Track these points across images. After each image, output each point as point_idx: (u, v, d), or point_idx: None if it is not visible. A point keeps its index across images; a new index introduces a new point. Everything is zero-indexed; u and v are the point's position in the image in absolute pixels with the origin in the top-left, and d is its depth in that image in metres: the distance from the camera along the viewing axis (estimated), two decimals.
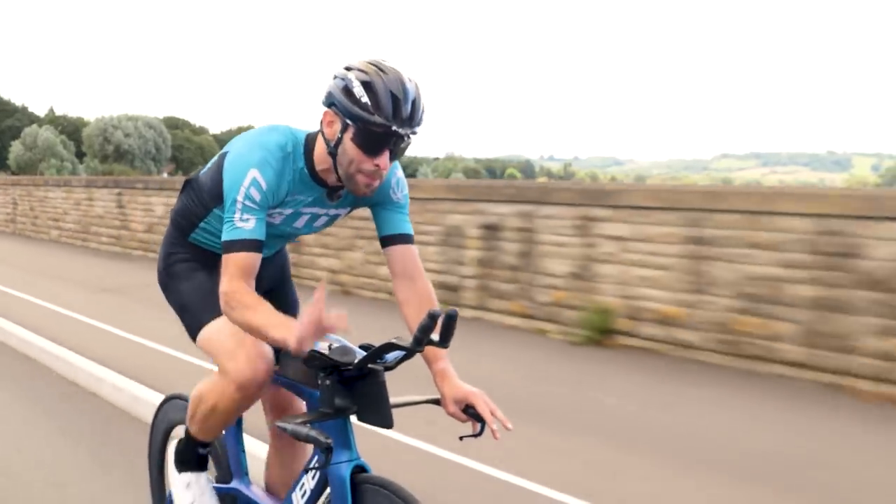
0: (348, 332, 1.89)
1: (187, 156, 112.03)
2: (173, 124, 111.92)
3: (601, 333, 6.76)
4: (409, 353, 1.88)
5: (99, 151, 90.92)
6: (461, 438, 2.15)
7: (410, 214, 2.40)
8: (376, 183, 2.11)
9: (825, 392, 5.44)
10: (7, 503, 3.72)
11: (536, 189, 7.93)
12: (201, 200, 2.41)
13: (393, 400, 2.02)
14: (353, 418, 2.07)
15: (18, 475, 4.04)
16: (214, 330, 2.31)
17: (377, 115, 1.97)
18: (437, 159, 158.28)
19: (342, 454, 2.03)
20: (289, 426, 1.93)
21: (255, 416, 2.69)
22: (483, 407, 2.06)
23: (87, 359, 6.00)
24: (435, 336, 1.82)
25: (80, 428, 4.85)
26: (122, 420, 5.04)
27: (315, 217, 2.33)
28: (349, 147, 2.04)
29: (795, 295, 5.72)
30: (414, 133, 2.03)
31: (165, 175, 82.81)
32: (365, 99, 1.98)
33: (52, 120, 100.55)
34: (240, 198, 2.08)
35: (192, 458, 2.52)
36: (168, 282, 2.52)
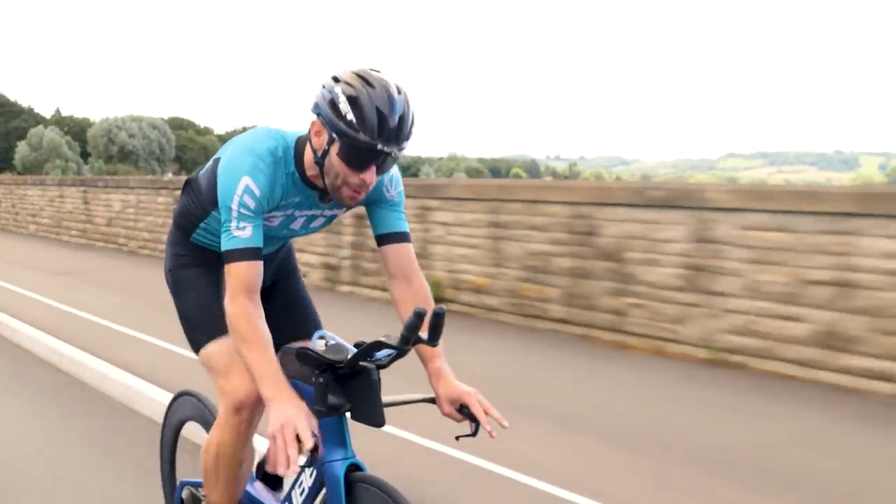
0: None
1: (191, 156, 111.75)
2: (178, 125, 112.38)
3: (434, 301, 8.35)
4: (399, 351, 1.88)
5: (103, 152, 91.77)
6: (457, 438, 2.16)
7: None
8: (362, 195, 2.11)
9: (578, 341, 7.00)
10: None
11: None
12: (200, 202, 2.41)
13: (388, 399, 2.01)
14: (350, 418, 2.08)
15: None
16: (212, 352, 2.37)
17: (362, 133, 1.95)
18: (441, 159, 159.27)
19: (336, 452, 2.03)
20: None
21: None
22: (477, 407, 2.07)
23: (30, 326, 7.54)
24: (423, 334, 1.82)
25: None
26: (42, 365, 6.67)
27: (311, 218, 2.33)
28: (335, 161, 2.03)
29: (559, 266, 7.30)
30: (401, 150, 2.01)
31: (170, 175, 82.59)
32: (350, 116, 1.96)
33: (59, 121, 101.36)
34: (234, 206, 2.08)
35: None
36: (173, 287, 2.56)
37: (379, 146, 1.97)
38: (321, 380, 1.99)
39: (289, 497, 2.20)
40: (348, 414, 2.04)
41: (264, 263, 2.16)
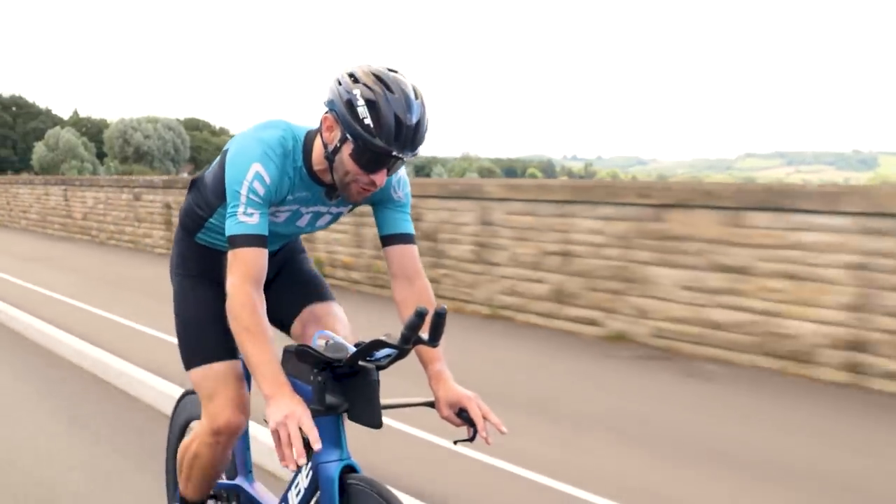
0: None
1: (205, 156, 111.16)
2: (194, 125, 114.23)
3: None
4: (399, 351, 1.85)
5: (119, 153, 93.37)
6: (455, 443, 2.16)
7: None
8: (369, 193, 2.09)
9: None
10: None
11: None
12: (206, 199, 2.40)
13: (387, 401, 1.99)
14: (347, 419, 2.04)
15: None
16: (202, 375, 2.38)
17: (378, 139, 1.92)
18: (455, 159, 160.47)
19: (332, 453, 2.01)
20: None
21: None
22: (476, 411, 2.05)
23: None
24: (424, 334, 1.80)
25: None
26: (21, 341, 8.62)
27: (318, 215, 2.30)
28: (346, 160, 2.00)
29: None
30: (414, 154, 1.99)
31: (185, 175, 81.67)
32: (368, 120, 1.92)
33: (76, 122, 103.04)
34: (243, 191, 2.04)
35: None
36: (175, 292, 2.55)
37: (394, 152, 1.94)
38: (319, 378, 1.95)
39: (285, 498, 2.18)
40: (345, 415, 2.02)
41: (269, 259, 2.11)
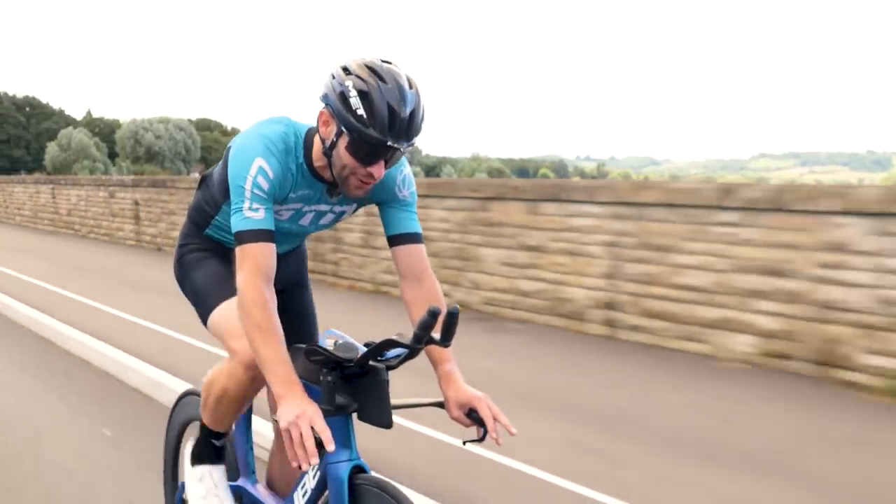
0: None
1: (216, 156, 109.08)
2: (205, 125, 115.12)
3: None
4: (411, 351, 1.83)
5: (130, 153, 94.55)
6: (465, 443, 2.17)
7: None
8: (369, 186, 2.06)
9: (315, 283, 10.42)
10: None
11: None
12: (213, 196, 2.40)
13: (396, 402, 1.98)
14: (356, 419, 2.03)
15: None
16: (222, 312, 2.31)
17: (372, 129, 1.91)
18: (466, 159, 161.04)
19: (341, 454, 2.00)
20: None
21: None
22: (486, 412, 2.04)
23: None
24: (436, 334, 1.78)
25: None
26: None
27: (321, 214, 2.29)
28: (343, 153, 1.99)
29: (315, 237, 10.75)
30: (410, 144, 1.97)
31: (196, 175, 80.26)
32: (361, 111, 1.91)
33: (89, 122, 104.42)
34: (247, 185, 2.02)
35: (207, 450, 2.49)
36: (181, 273, 2.52)
37: (389, 142, 1.92)
38: (329, 378, 1.94)
39: (291, 498, 2.17)
40: (354, 415, 2.00)
41: (277, 263, 2.08)
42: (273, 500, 2.46)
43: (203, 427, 2.49)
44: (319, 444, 1.81)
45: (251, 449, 2.61)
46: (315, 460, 1.79)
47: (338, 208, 2.30)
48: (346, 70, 1.97)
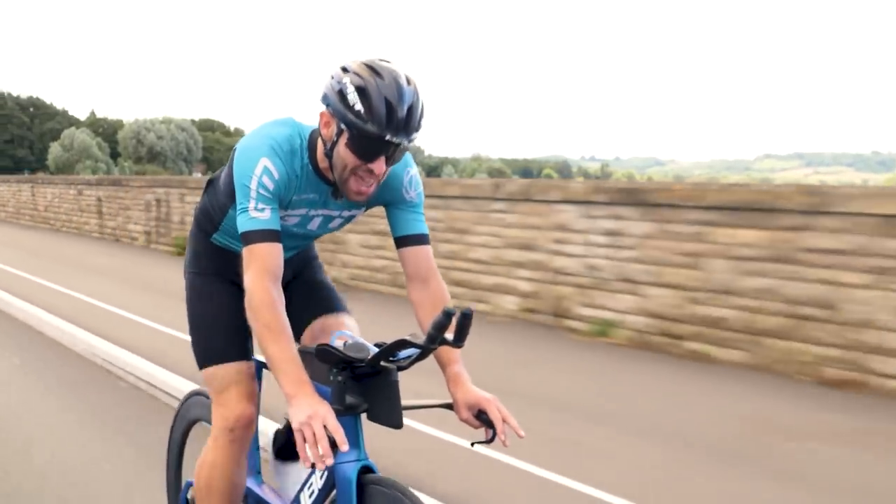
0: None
1: (218, 157, 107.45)
2: (208, 126, 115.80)
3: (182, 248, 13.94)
4: (423, 351, 1.83)
5: (133, 153, 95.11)
6: (473, 444, 2.17)
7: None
8: (369, 190, 2.05)
9: None
10: None
11: (177, 180, 14.95)
12: (219, 200, 2.38)
13: (405, 403, 1.97)
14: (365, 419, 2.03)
15: None
16: (216, 374, 2.37)
17: (370, 124, 1.91)
18: (467, 160, 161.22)
19: (350, 453, 1.99)
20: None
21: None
22: (495, 414, 2.04)
23: None
24: (449, 335, 1.77)
25: None
26: None
27: (329, 218, 2.28)
28: (343, 151, 1.98)
29: None
30: (410, 140, 1.96)
31: (198, 175, 76.88)
32: (358, 106, 1.91)
33: (92, 122, 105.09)
34: (252, 185, 2.01)
35: None
36: (189, 292, 2.52)
37: (387, 137, 1.92)
38: (339, 378, 1.94)
39: (297, 499, 2.17)
40: (363, 415, 2.00)
41: (284, 265, 2.06)
42: (277, 499, 2.44)
43: None
44: (332, 443, 1.80)
45: (257, 449, 2.57)
46: (330, 461, 1.77)
47: (346, 212, 2.28)
48: (344, 69, 1.99)
